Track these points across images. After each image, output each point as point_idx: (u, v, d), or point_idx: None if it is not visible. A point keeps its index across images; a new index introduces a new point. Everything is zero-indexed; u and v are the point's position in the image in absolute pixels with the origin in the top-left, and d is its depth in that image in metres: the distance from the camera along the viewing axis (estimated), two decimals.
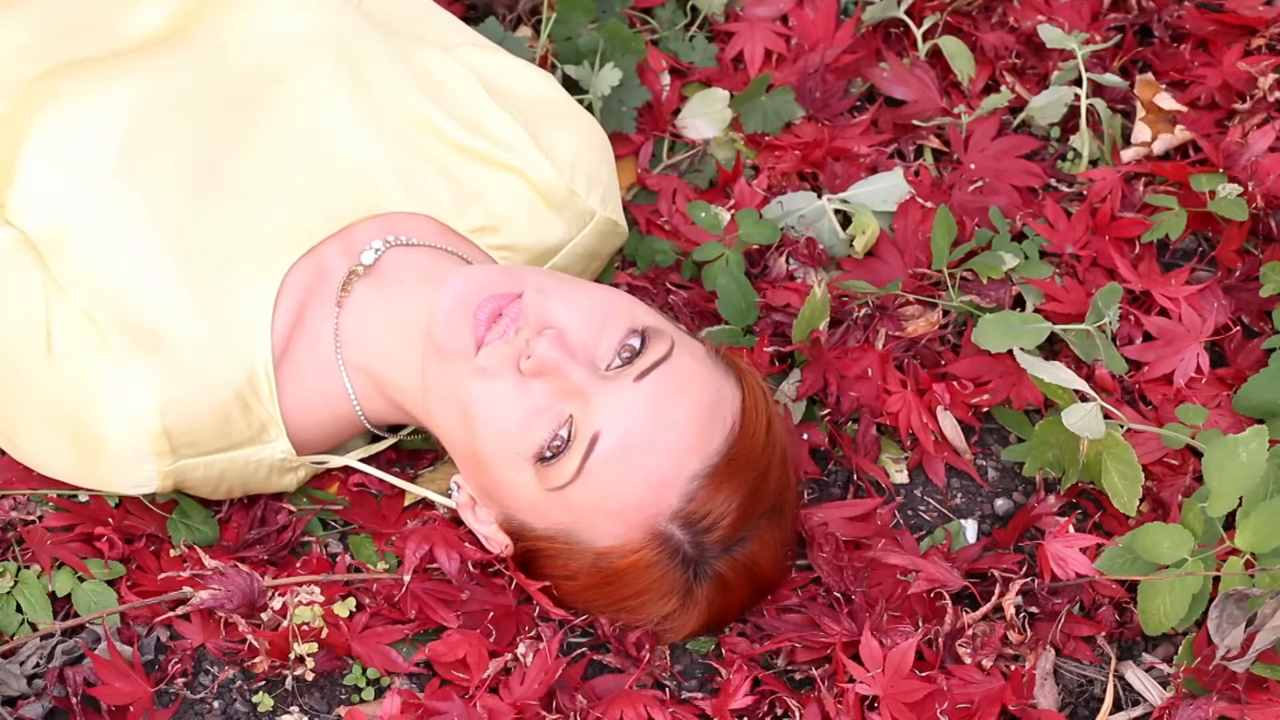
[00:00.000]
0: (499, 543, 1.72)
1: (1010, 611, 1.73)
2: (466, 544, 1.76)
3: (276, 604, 1.71)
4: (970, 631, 1.72)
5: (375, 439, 1.85)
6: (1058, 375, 1.76)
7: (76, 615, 1.73)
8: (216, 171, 1.75)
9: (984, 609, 1.73)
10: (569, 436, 1.61)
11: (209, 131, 1.76)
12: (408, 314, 1.72)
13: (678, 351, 1.64)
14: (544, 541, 1.68)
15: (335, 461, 1.81)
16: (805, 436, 1.88)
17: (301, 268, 1.75)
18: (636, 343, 1.63)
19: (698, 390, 1.64)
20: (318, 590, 1.72)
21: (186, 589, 1.71)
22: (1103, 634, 1.75)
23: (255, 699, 1.70)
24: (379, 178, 1.80)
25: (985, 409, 1.93)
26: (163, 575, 1.74)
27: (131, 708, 1.66)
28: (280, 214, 1.75)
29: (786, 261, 2.01)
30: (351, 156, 1.80)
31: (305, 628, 1.69)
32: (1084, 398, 1.76)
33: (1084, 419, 1.74)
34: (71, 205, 1.71)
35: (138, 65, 1.77)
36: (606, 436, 1.60)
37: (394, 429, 1.85)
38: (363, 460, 1.84)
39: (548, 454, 1.62)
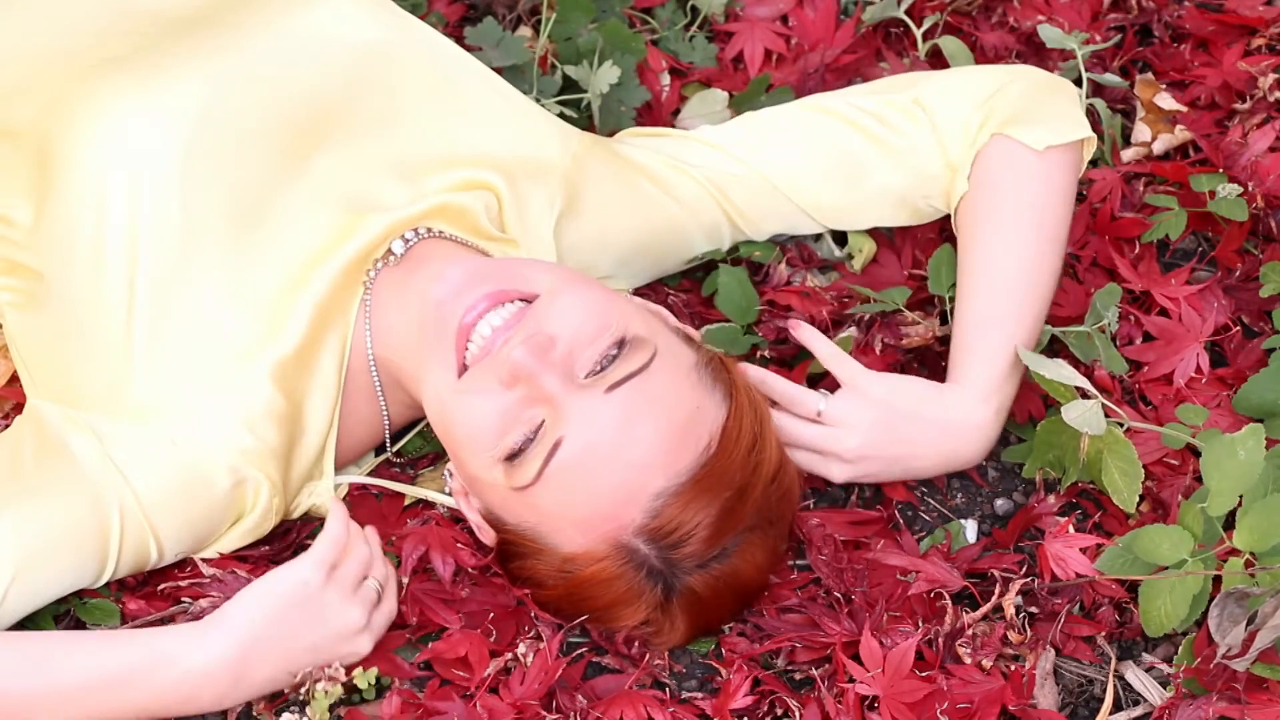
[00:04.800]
0: (489, 534, 1.73)
1: (1010, 611, 1.73)
2: (461, 545, 1.76)
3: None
4: (970, 631, 1.71)
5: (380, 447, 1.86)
6: (1059, 373, 1.76)
7: (77, 623, 1.73)
8: (265, 202, 1.74)
9: (984, 609, 1.73)
10: (535, 440, 1.62)
11: (264, 152, 1.75)
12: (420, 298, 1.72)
13: (658, 364, 1.63)
14: (515, 536, 1.69)
15: (349, 480, 1.82)
16: None
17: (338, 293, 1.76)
18: (615, 352, 1.63)
19: (671, 406, 1.62)
20: (340, 669, 1.70)
21: (185, 599, 1.71)
22: (1103, 634, 1.75)
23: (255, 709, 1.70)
24: (435, 183, 1.81)
25: None
26: (163, 586, 1.73)
27: None
28: (317, 235, 1.75)
29: (788, 265, 2.01)
30: (422, 160, 1.81)
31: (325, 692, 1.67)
32: (1085, 395, 1.76)
33: (1084, 415, 1.73)
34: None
35: (198, 66, 1.75)
36: (568, 444, 1.60)
37: (402, 433, 1.86)
38: (360, 463, 1.85)
39: (515, 454, 1.63)
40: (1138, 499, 1.76)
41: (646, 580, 1.65)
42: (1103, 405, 1.75)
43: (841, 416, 1.78)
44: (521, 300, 1.67)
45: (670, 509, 1.61)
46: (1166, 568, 1.68)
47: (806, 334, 1.84)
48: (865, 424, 1.78)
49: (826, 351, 1.83)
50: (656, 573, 1.65)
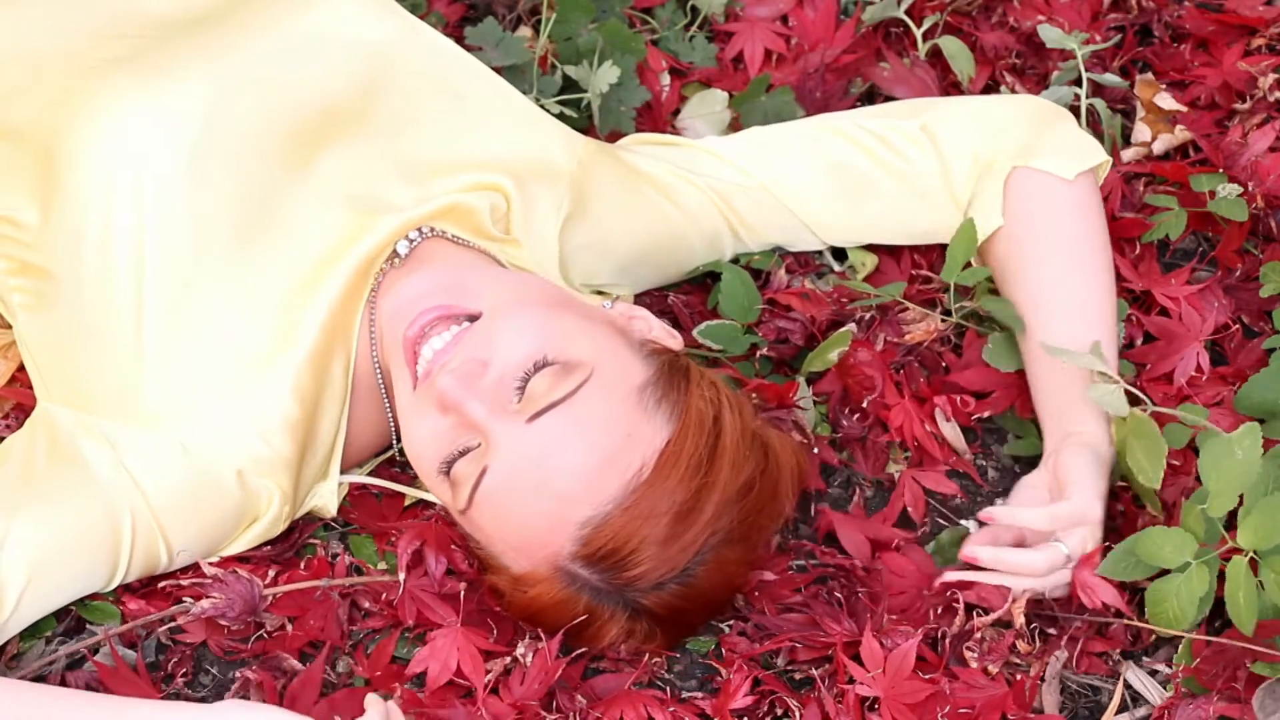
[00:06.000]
0: None
1: (1020, 620, 1.72)
2: (455, 546, 1.76)
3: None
4: (978, 635, 1.71)
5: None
6: (1085, 360, 1.76)
7: (78, 621, 1.73)
8: (271, 203, 1.74)
9: (993, 615, 1.71)
10: (465, 464, 1.63)
11: (270, 154, 1.75)
12: None
13: (588, 389, 1.62)
14: (477, 549, 1.71)
15: (350, 480, 1.82)
16: (815, 450, 1.87)
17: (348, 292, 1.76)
18: (533, 375, 1.62)
19: (598, 433, 1.60)
20: None
21: (187, 599, 1.71)
22: (1117, 650, 1.74)
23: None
24: (443, 185, 1.81)
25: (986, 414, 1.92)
26: (163, 584, 1.74)
27: None
28: (325, 237, 1.75)
29: (786, 273, 2.01)
30: (429, 163, 1.81)
31: None
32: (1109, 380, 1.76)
33: (1108, 396, 1.73)
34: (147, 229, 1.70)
35: (202, 67, 1.75)
36: (490, 474, 1.61)
37: None
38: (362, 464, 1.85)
39: (448, 476, 1.65)
40: (1162, 474, 1.74)
41: (596, 600, 1.64)
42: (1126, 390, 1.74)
43: (1083, 548, 1.74)
44: (467, 318, 1.67)
45: (600, 536, 1.60)
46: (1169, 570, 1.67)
47: (999, 514, 1.74)
48: (1100, 537, 1.75)
49: (1035, 516, 1.73)
50: (605, 594, 1.64)
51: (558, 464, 1.60)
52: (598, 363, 1.63)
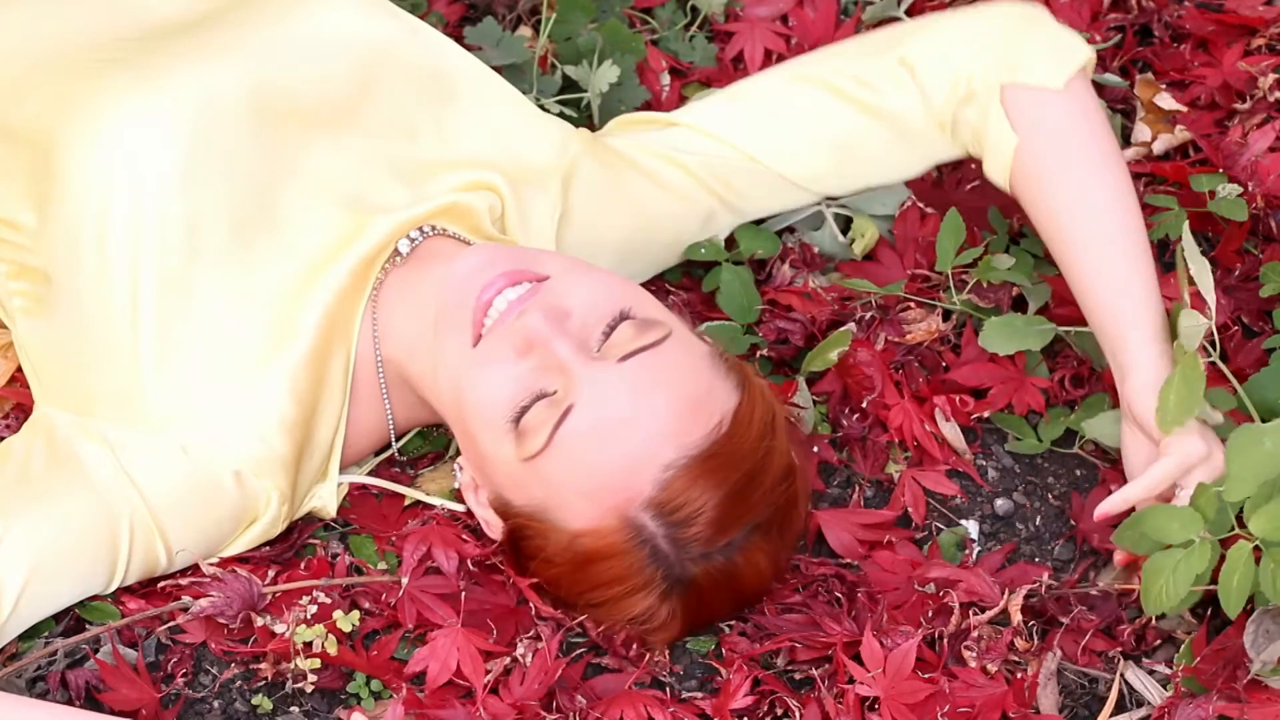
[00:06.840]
0: (496, 526, 1.73)
1: (1017, 618, 1.72)
2: (464, 539, 1.76)
3: (280, 627, 1.69)
4: (976, 634, 1.71)
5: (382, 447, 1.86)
6: (1203, 278, 1.75)
7: (78, 621, 1.73)
8: (267, 204, 1.74)
9: (990, 613, 1.72)
10: (546, 404, 1.62)
11: (264, 154, 1.75)
12: (430, 297, 1.72)
13: (671, 343, 1.64)
14: (524, 519, 1.69)
15: (350, 480, 1.82)
16: (815, 449, 1.87)
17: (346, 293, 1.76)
18: (624, 322, 1.64)
19: (683, 380, 1.63)
20: (322, 595, 1.70)
21: (186, 598, 1.72)
22: (1118, 650, 1.75)
23: (255, 700, 1.70)
24: (438, 184, 1.81)
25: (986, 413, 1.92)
26: (163, 584, 1.74)
27: (143, 711, 1.66)
28: (321, 237, 1.76)
29: (790, 267, 2.01)
30: (424, 163, 1.81)
31: (307, 646, 1.68)
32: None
33: (1191, 327, 1.72)
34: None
35: (198, 68, 1.75)
36: (578, 411, 1.61)
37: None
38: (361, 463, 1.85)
39: (524, 418, 1.63)
40: (1182, 421, 1.71)
41: (650, 561, 1.64)
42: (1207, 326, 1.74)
43: (1213, 476, 1.73)
44: (536, 280, 1.67)
45: (679, 482, 1.61)
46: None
47: (1112, 506, 1.74)
48: (1219, 458, 1.72)
49: (1139, 490, 1.72)
50: (661, 555, 1.64)
51: (649, 404, 1.61)
52: (672, 324, 1.67)
